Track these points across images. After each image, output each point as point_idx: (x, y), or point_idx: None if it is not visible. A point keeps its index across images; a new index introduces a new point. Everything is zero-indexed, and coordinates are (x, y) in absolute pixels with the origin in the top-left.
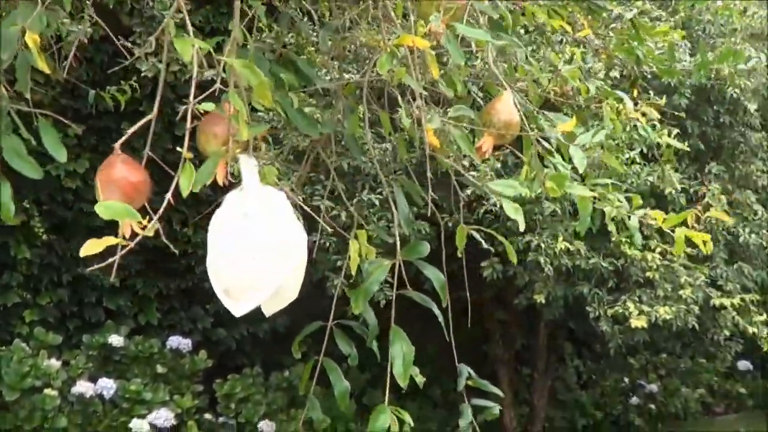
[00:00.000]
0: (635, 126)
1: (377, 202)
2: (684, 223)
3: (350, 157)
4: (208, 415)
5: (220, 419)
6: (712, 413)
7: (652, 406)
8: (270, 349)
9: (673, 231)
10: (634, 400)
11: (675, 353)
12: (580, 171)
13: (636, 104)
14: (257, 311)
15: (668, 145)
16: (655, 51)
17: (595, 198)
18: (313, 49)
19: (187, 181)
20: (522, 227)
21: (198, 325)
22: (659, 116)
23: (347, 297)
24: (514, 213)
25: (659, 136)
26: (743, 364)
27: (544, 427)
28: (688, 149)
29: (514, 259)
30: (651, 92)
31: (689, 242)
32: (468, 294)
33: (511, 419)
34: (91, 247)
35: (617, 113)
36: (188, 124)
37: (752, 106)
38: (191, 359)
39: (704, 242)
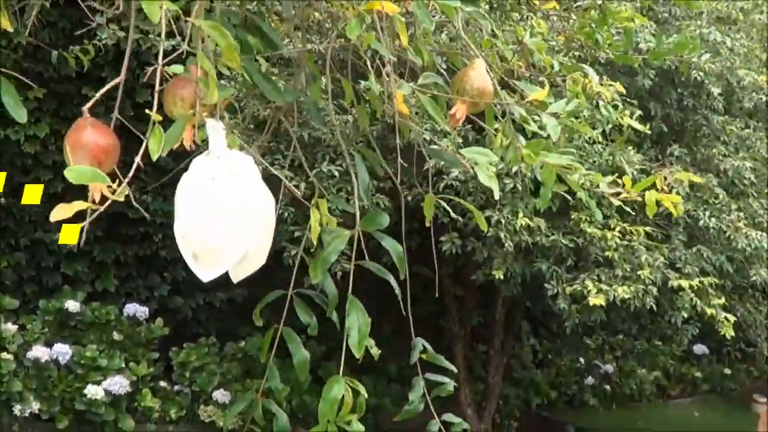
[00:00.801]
0: (597, 104)
1: (337, 174)
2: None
3: (310, 128)
4: (163, 383)
5: (175, 387)
6: (667, 396)
7: (608, 387)
8: (226, 318)
9: (639, 200)
10: (590, 380)
11: (631, 335)
12: (554, 139)
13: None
14: (216, 279)
15: (627, 127)
16: (615, 36)
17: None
18: (276, 18)
19: (156, 144)
20: (497, 195)
21: (155, 292)
22: (620, 97)
23: (304, 269)
24: (488, 180)
25: (621, 116)
26: (699, 348)
27: (499, 405)
28: (649, 131)
29: (483, 225)
30: (605, 76)
31: (647, 223)
32: (429, 269)
33: (466, 396)
34: (61, 211)
35: (582, 88)
36: (157, 87)
37: (716, 90)
38: (147, 327)
39: (674, 204)
